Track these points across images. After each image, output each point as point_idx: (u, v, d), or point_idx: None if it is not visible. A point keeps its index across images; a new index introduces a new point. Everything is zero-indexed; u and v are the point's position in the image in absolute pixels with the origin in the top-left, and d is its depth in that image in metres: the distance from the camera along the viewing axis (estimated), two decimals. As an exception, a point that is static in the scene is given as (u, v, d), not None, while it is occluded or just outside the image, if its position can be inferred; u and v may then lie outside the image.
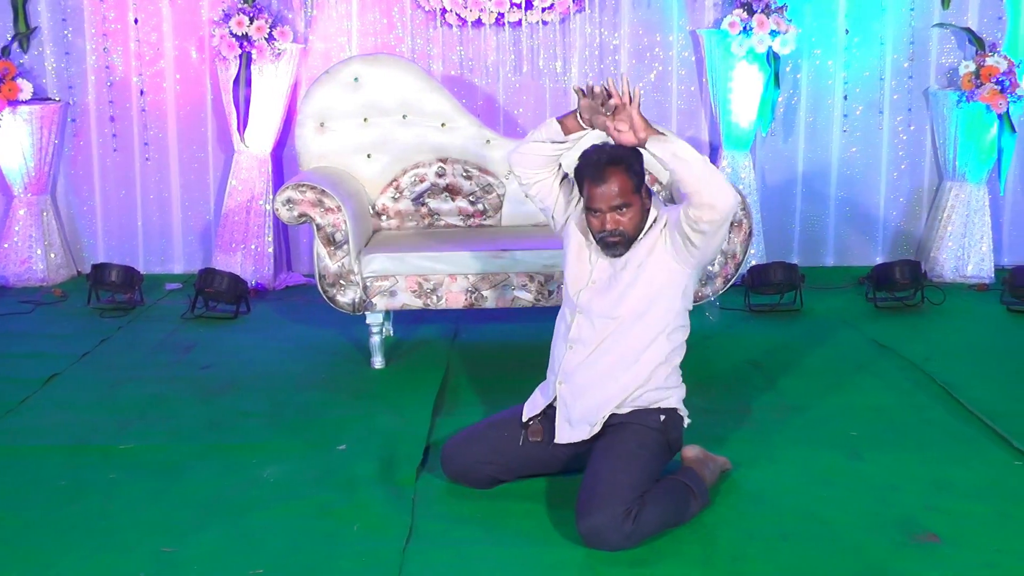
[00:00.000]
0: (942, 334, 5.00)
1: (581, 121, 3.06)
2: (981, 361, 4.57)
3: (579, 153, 3.08)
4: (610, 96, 2.97)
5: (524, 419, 3.20)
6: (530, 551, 2.87)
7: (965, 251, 5.99)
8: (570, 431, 3.13)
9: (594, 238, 3.10)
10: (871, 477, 3.32)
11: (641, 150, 2.99)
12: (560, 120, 3.09)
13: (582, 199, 3.10)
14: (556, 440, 3.14)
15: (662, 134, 2.93)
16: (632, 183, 3.00)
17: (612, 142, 3.02)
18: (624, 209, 3.00)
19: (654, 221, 3.09)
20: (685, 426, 3.19)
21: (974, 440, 3.64)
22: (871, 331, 4.98)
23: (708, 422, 3.63)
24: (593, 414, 3.09)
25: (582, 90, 3.06)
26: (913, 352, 4.61)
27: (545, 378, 3.27)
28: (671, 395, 3.14)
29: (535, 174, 3.19)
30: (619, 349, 3.08)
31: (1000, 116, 5.81)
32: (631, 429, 3.05)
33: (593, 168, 3.01)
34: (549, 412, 3.18)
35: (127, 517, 3.08)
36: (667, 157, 2.90)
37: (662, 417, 3.10)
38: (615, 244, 3.05)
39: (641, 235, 3.07)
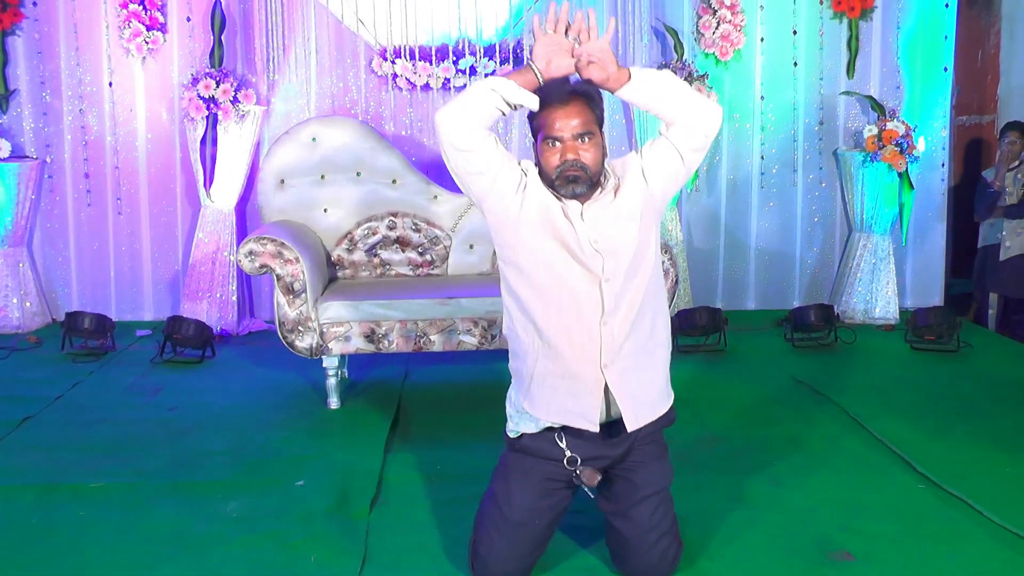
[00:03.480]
0: (853, 370, 5.06)
1: (535, 69, 2.55)
2: (888, 394, 4.63)
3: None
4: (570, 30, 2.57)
5: (568, 465, 2.66)
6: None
7: (873, 295, 6.08)
8: (638, 416, 2.65)
9: (551, 176, 2.58)
10: (790, 501, 3.34)
11: (615, 94, 2.60)
12: (509, 78, 2.55)
13: (539, 133, 2.61)
14: (629, 429, 2.63)
15: (627, 71, 2.57)
16: (595, 115, 2.59)
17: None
18: (587, 139, 2.56)
19: (619, 176, 2.66)
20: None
21: (883, 466, 3.68)
22: (789, 368, 5.02)
23: (641, 454, 3.63)
24: (655, 393, 2.71)
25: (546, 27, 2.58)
26: (827, 387, 4.65)
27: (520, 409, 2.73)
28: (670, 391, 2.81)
29: (471, 137, 2.53)
30: (649, 310, 2.65)
31: (900, 174, 5.94)
32: (654, 446, 2.75)
33: (557, 94, 2.55)
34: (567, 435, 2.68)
35: (96, 553, 3.00)
36: (649, 88, 2.57)
37: (670, 418, 2.81)
38: (576, 179, 2.55)
39: (607, 181, 2.64)
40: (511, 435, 2.77)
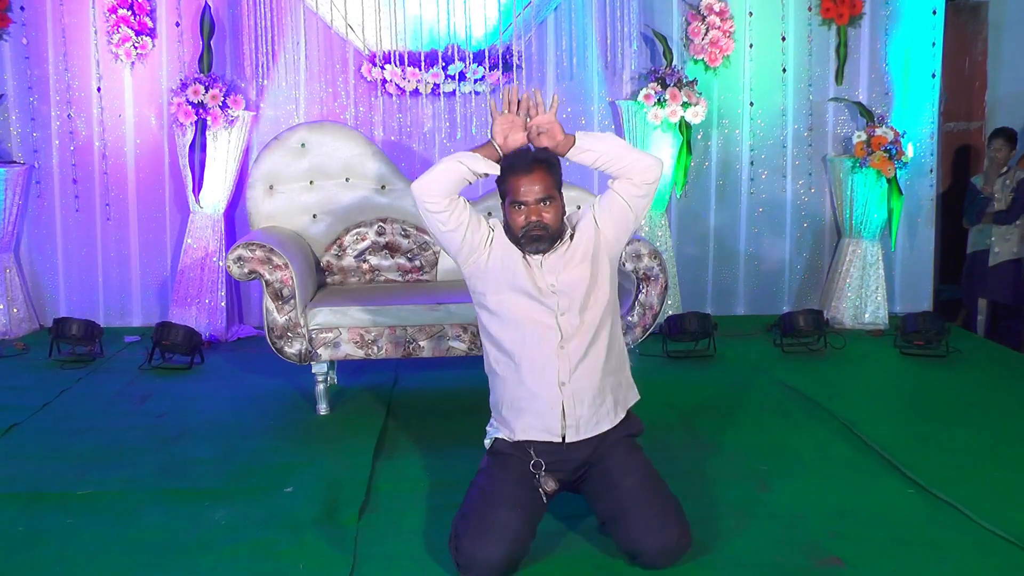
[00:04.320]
0: (842, 375, 5.07)
1: (495, 144, 3.00)
2: (877, 399, 4.64)
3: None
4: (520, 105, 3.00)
5: (533, 469, 2.94)
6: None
7: (862, 300, 6.09)
8: (579, 430, 2.97)
9: (516, 235, 2.98)
10: (779, 507, 3.33)
11: (564, 156, 3.00)
12: (474, 152, 3.01)
13: (506, 197, 2.99)
14: (568, 441, 2.96)
15: (573, 136, 2.99)
16: (555, 180, 2.98)
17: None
18: (548, 203, 2.94)
19: (574, 226, 3.05)
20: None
21: (872, 471, 3.68)
22: (778, 374, 5.03)
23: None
24: (606, 408, 3.01)
25: (502, 105, 3.03)
26: (817, 392, 4.65)
27: (498, 420, 3.07)
28: (631, 389, 3.15)
29: (443, 201, 2.95)
30: (604, 333, 3.01)
31: (889, 180, 5.95)
32: (623, 445, 3.02)
33: (521, 164, 2.96)
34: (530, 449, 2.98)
35: (83, 562, 2.98)
36: (594, 152, 2.99)
37: (637, 428, 3.12)
38: (539, 238, 2.96)
39: (566, 234, 3.02)
40: (487, 443, 3.10)
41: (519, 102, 3.02)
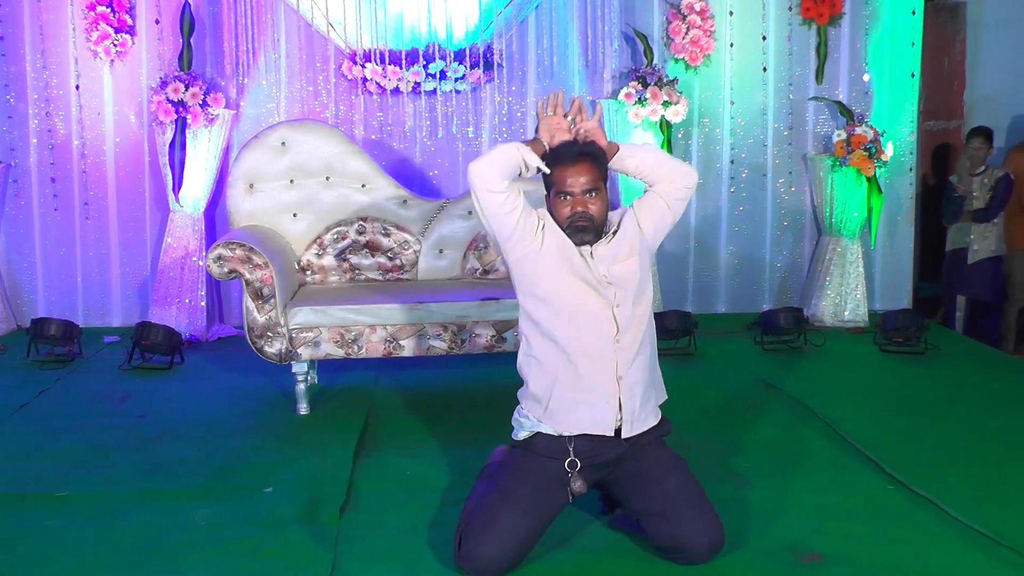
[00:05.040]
0: (823, 373, 5.09)
1: (543, 140, 3.02)
2: (858, 396, 4.66)
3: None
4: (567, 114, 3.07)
5: (568, 468, 2.92)
6: (447, 584, 2.82)
7: (842, 298, 6.12)
8: (633, 426, 2.96)
9: (563, 225, 2.97)
10: (761, 504, 3.34)
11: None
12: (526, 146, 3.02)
13: (552, 188, 2.99)
14: (625, 435, 2.94)
15: (616, 144, 3.05)
16: (601, 173, 2.98)
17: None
18: (594, 194, 2.95)
19: (618, 223, 3.05)
20: None
21: (853, 468, 3.69)
22: (759, 371, 5.04)
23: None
24: (651, 402, 3.03)
25: (550, 106, 3.08)
26: (797, 390, 4.67)
27: (541, 409, 2.97)
28: (663, 386, 3.14)
29: (502, 183, 2.92)
30: (649, 331, 3.04)
31: (869, 179, 5.98)
32: (657, 444, 3.04)
33: (568, 155, 2.96)
34: (568, 449, 2.95)
35: (64, 563, 2.95)
36: (636, 159, 3.04)
37: (667, 428, 3.12)
38: (584, 228, 2.95)
39: (608, 229, 3.03)
40: (521, 437, 3.02)
41: (565, 109, 3.07)
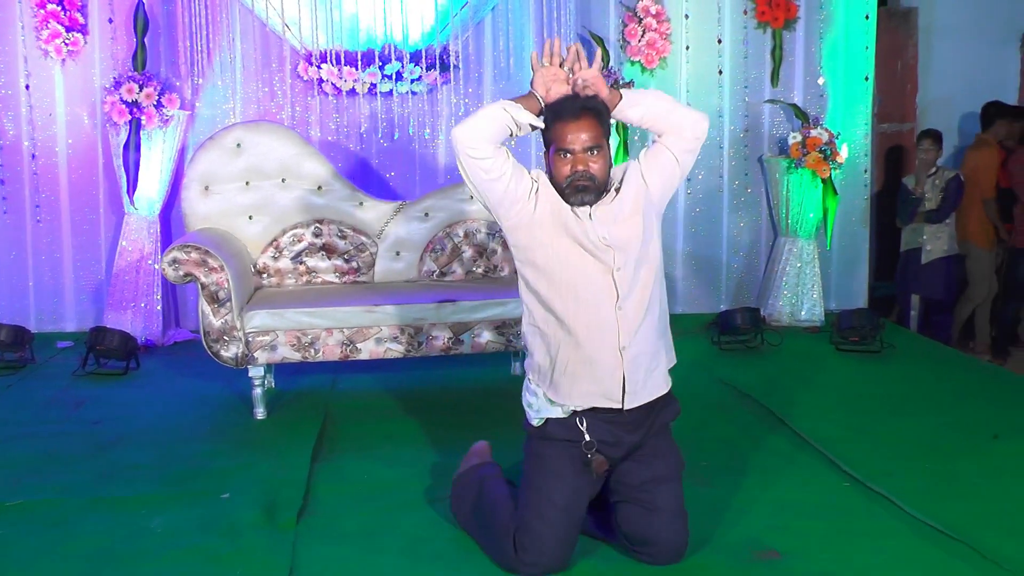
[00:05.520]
0: (780, 372, 5.13)
1: (537, 95, 2.85)
2: (814, 394, 4.70)
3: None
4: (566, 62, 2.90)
5: (585, 448, 2.84)
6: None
7: (798, 298, 6.18)
8: (639, 395, 2.87)
9: (561, 185, 2.83)
10: (718, 501, 3.35)
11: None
12: (515, 101, 2.84)
13: (551, 145, 2.85)
14: (627, 406, 2.85)
15: (619, 92, 2.89)
16: (603, 129, 2.83)
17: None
18: (595, 152, 2.80)
19: (621, 179, 2.91)
20: None
21: (809, 465, 3.72)
22: (717, 371, 5.07)
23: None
24: (656, 369, 2.91)
25: (543, 57, 2.91)
26: (754, 388, 4.71)
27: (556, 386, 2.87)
28: (672, 350, 3.02)
29: (487, 147, 2.77)
30: (656, 293, 2.91)
31: (824, 180, 6.04)
32: (665, 433, 2.98)
33: (568, 110, 2.80)
34: (581, 424, 2.87)
35: (16, 573, 2.89)
36: (641, 107, 2.88)
37: (676, 410, 3.04)
38: (585, 188, 2.80)
39: (611, 186, 2.89)
40: (535, 423, 2.93)
41: (561, 57, 2.90)
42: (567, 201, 2.83)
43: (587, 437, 2.84)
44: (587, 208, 2.83)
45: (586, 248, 2.81)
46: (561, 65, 2.89)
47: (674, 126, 2.90)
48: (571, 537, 2.82)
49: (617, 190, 2.88)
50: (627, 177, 2.91)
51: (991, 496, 3.41)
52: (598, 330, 2.82)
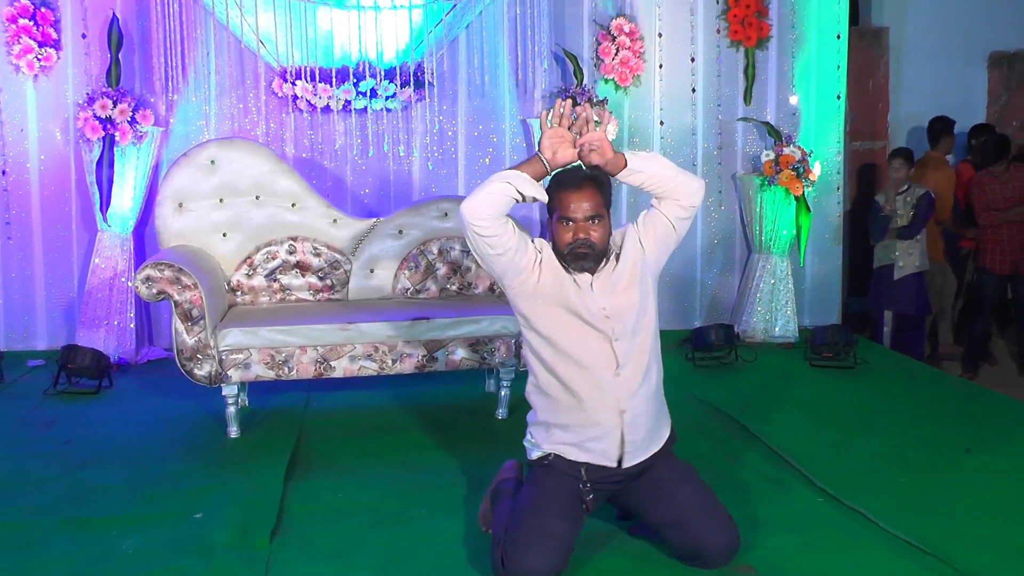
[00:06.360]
0: (754, 387, 5.15)
1: (543, 159, 2.92)
2: (788, 410, 4.72)
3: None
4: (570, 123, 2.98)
5: (582, 488, 2.98)
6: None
7: (772, 314, 6.21)
8: (635, 456, 3.00)
9: (563, 251, 2.95)
10: (693, 521, 3.35)
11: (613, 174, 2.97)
12: (519, 168, 2.91)
13: (554, 213, 2.96)
14: (625, 466, 2.98)
15: (623, 155, 2.96)
16: (604, 199, 2.96)
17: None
18: (596, 221, 2.93)
19: (620, 245, 3.03)
20: None
21: (783, 481, 3.74)
22: (691, 387, 5.08)
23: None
24: (657, 429, 3.06)
25: (557, 114, 2.97)
26: (729, 405, 4.72)
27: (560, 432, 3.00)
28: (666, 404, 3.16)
29: (492, 224, 2.86)
30: (654, 358, 3.04)
31: (797, 198, 6.09)
32: (667, 455, 3.09)
33: (571, 180, 2.94)
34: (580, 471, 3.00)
35: (-19, 596, 2.86)
36: (644, 173, 2.96)
37: (673, 439, 3.17)
38: (584, 256, 2.93)
39: (611, 253, 3.01)
40: (539, 455, 3.04)
41: (570, 119, 2.98)
42: (568, 267, 2.96)
43: (584, 478, 2.97)
44: (588, 277, 2.96)
45: (585, 320, 2.93)
46: (570, 128, 2.97)
47: (674, 193, 3.01)
48: (558, 552, 2.84)
49: (617, 256, 3.01)
50: (625, 245, 3.04)
51: (963, 510, 3.43)
52: (599, 394, 2.94)
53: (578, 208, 2.91)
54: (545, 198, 2.94)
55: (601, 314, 2.93)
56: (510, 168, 2.92)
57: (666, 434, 3.11)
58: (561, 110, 2.96)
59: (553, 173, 2.98)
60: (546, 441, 3.02)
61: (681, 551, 2.97)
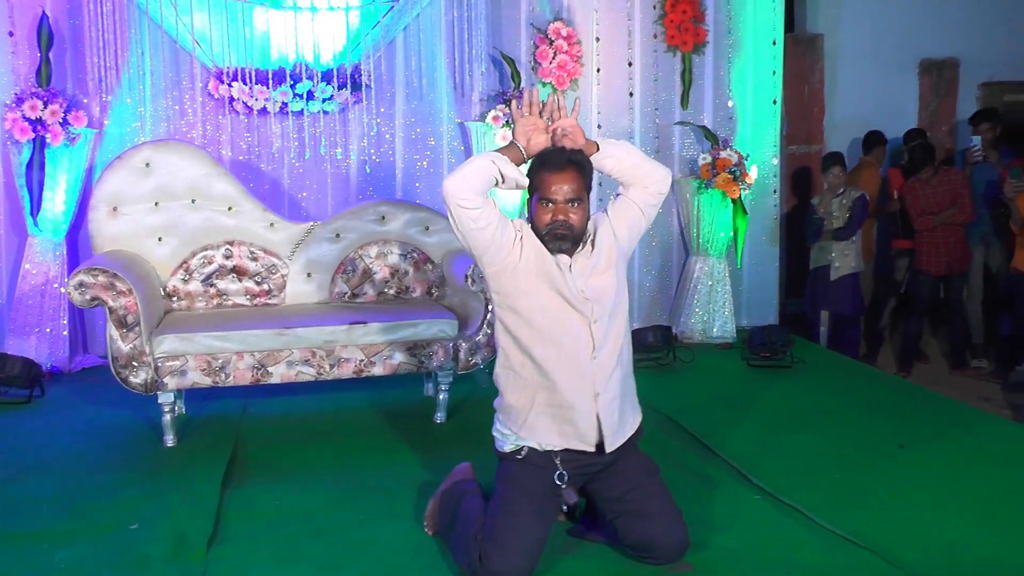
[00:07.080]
0: (692, 388, 5.20)
1: (519, 145, 2.98)
2: (726, 410, 4.77)
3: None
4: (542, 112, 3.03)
5: (557, 480, 2.98)
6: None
7: (710, 315, 6.27)
8: (615, 440, 3.02)
9: (542, 231, 2.96)
10: (633, 520, 3.37)
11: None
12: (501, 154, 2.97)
13: (535, 193, 2.98)
14: (608, 450, 3.00)
15: (595, 142, 3.01)
16: (585, 183, 2.98)
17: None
18: (576, 204, 2.94)
19: (594, 232, 3.05)
20: None
21: (721, 480, 3.77)
22: (632, 389, 5.10)
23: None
24: (628, 413, 3.08)
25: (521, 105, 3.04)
26: (667, 405, 4.75)
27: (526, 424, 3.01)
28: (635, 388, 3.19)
29: (476, 199, 2.86)
30: (626, 343, 3.07)
31: (734, 201, 6.16)
32: (633, 448, 3.11)
33: (554, 161, 2.95)
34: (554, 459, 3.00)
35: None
36: (615, 158, 3.01)
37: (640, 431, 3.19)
38: (563, 237, 2.95)
39: (587, 238, 3.02)
40: (511, 448, 3.03)
41: (540, 105, 3.03)
42: (546, 247, 2.97)
43: (559, 468, 2.97)
44: (567, 259, 2.97)
45: (567, 299, 2.95)
46: (540, 114, 3.02)
47: (642, 180, 3.05)
48: (534, 549, 2.87)
49: (592, 242, 3.03)
50: (599, 231, 3.06)
51: (896, 505, 3.49)
52: (576, 377, 2.96)
53: (559, 190, 2.93)
54: (526, 182, 2.98)
55: (581, 295, 2.95)
56: (490, 152, 2.97)
57: (638, 419, 3.15)
58: (530, 98, 3.02)
59: (530, 160, 3.02)
60: (520, 428, 3.01)
61: (635, 542, 2.98)
